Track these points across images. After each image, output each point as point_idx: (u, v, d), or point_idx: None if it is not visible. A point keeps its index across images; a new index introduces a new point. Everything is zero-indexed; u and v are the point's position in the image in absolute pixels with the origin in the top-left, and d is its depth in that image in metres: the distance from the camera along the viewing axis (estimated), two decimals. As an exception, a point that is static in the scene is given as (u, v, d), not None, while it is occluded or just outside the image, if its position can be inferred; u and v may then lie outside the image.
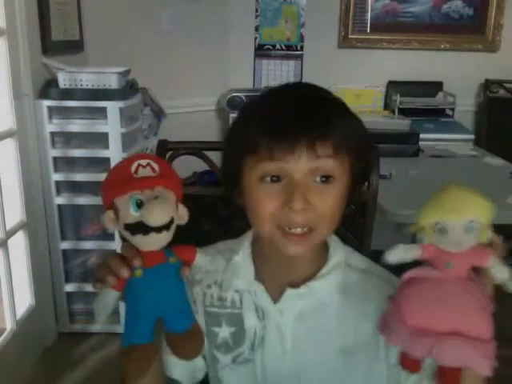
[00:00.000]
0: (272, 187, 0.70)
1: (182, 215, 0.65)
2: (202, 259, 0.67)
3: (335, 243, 0.83)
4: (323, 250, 0.82)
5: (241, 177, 0.74)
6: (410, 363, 0.63)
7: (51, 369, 2.07)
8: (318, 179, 0.70)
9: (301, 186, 0.68)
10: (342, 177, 0.72)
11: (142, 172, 0.62)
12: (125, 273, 0.61)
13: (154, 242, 0.62)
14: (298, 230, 0.71)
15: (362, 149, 0.75)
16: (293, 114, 0.68)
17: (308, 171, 0.69)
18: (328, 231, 0.75)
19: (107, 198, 0.63)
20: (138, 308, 0.62)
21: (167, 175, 0.63)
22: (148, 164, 0.63)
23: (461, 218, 0.58)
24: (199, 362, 0.84)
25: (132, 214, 0.60)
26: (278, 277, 0.80)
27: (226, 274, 0.82)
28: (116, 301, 0.63)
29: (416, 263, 0.64)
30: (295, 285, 0.78)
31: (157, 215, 0.60)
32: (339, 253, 0.82)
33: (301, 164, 0.68)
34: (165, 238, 0.62)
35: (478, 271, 0.63)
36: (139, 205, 0.60)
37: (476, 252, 0.60)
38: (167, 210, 0.61)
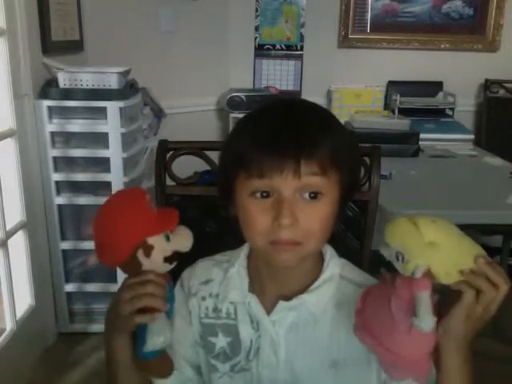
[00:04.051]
0: (262, 203, 0.72)
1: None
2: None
3: (330, 256, 0.83)
4: (318, 263, 0.83)
5: (234, 190, 0.76)
6: None
7: (51, 369, 2.07)
8: (307, 195, 0.72)
9: (288, 203, 0.70)
10: (330, 192, 0.73)
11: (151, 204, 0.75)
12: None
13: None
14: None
15: (351, 163, 0.76)
16: (281, 134, 0.71)
17: (295, 188, 0.71)
18: (315, 246, 0.76)
19: (137, 236, 0.71)
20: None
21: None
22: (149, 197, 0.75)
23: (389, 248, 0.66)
24: (188, 372, 0.86)
25: (167, 248, 0.73)
26: (272, 289, 0.81)
27: (222, 285, 0.84)
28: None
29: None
30: (288, 297, 0.80)
31: (187, 241, 0.75)
32: (334, 266, 0.82)
33: (288, 182, 0.70)
34: None
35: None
36: (168, 238, 0.73)
37: (414, 280, 0.64)
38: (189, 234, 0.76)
